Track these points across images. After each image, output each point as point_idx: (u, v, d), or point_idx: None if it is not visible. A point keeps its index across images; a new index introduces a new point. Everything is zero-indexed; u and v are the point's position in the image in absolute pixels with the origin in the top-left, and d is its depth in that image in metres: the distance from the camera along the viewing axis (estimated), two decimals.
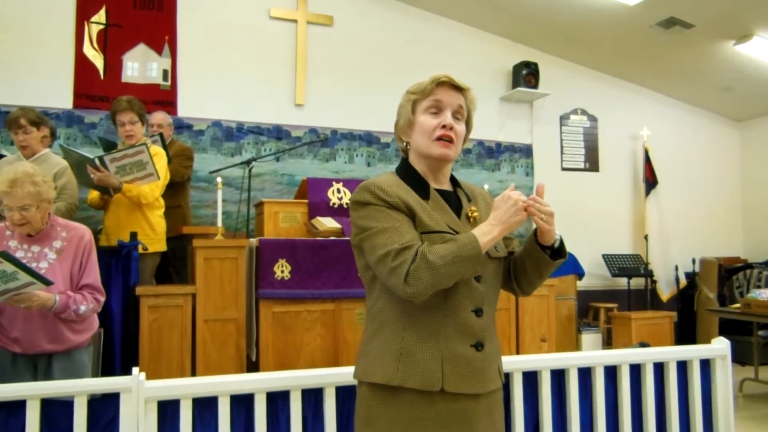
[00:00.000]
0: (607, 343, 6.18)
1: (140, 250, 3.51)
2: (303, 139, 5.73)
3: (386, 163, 6.04)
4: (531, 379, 2.30)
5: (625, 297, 6.52)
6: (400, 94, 1.66)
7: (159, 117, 4.55)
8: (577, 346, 5.92)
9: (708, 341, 2.71)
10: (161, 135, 4.28)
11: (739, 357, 5.96)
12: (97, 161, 3.44)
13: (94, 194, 3.78)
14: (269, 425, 1.99)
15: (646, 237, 6.82)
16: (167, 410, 1.92)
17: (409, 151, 1.64)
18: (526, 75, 6.39)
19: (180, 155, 4.46)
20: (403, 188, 1.56)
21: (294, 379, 2.03)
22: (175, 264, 4.32)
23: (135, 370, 1.92)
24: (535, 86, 6.42)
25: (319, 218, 3.97)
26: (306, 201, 4.09)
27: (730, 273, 7.03)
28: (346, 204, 4.04)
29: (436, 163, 1.61)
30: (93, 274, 2.63)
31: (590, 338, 6.06)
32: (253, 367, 3.66)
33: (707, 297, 6.90)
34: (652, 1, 5.36)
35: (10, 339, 2.52)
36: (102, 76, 5.20)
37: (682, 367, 2.52)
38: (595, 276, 6.66)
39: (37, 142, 3.60)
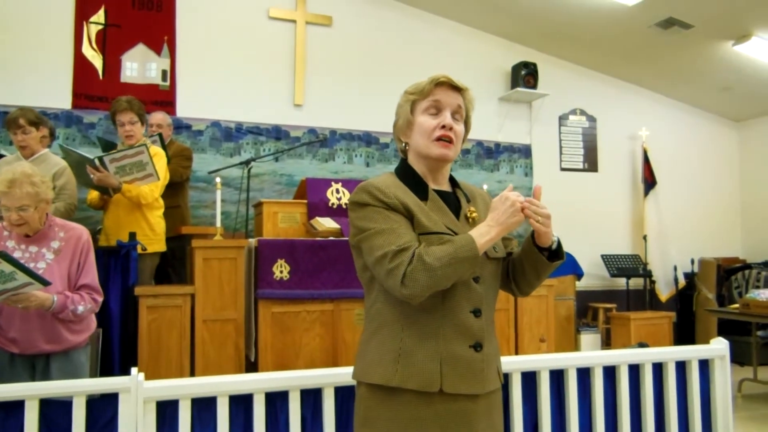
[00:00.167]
0: (606, 343, 6.18)
1: (139, 251, 3.51)
2: (302, 139, 5.73)
3: (385, 164, 6.04)
4: (530, 379, 2.30)
5: (623, 297, 6.52)
6: (399, 94, 1.66)
7: (158, 117, 4.55)
8: (576, 347, 5.92)
9: (707, 341, 2.71)
10: (160, 135, 4.28)
11: (738, 357, 5.95)
12: (96, 161, 3.44)
13: (93, 194, 3.78)
14: (268, 425, 1.99)
15: (644, 237, 6.83)
16: (166, 410, 1.92)
17: (408, 151, 1.64)
18: (525, 75, 6.39)
19: (179, 155, 4.46)
20: (401, 189, 1.56)
21: (293, 380, 2.03)
22: (173, 264, 4.32)
23: (134, 370, 1.92)
24: (534, 86, 6.43)
25: (318, 218, 3.97)
26: (305, 201, 4.09)
27: (729, 273, 7.04)
28: (345, 204, 4.04)
29: (436, 164, 1.60)
30: (91, 275, 2.63)
31: (589, 338, 6.06)
32: (251, 367, 3.66)
33: (706, 297, 6.90)
34: (651, 1, 5.37)
35: (7, 339, 2.52)
36: (101, 77, 5.19)
37: (681, 367, 2.52)
38: (594, 276, 6.66)
39: (36, 142, 3.60)
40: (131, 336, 3.42)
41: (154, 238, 3.73)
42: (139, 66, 5.32)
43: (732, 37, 5.87)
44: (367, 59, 6.05)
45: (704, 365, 2.55)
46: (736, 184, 7.80)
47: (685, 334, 6.98)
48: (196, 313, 3.53)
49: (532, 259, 1.60)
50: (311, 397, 2.05)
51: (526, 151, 6.72)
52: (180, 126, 5.31)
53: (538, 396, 2.30)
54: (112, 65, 5.23)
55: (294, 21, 5.82)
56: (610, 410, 2.40)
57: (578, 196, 6.75)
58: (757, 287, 6.44)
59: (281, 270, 3.66)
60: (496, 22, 6.32)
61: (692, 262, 7.10)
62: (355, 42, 6.03)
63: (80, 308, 2.53)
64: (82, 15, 5.16)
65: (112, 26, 5.25)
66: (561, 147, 6.90)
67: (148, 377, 1.93)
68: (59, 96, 5.05)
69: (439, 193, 1.61)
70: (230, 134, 5.56)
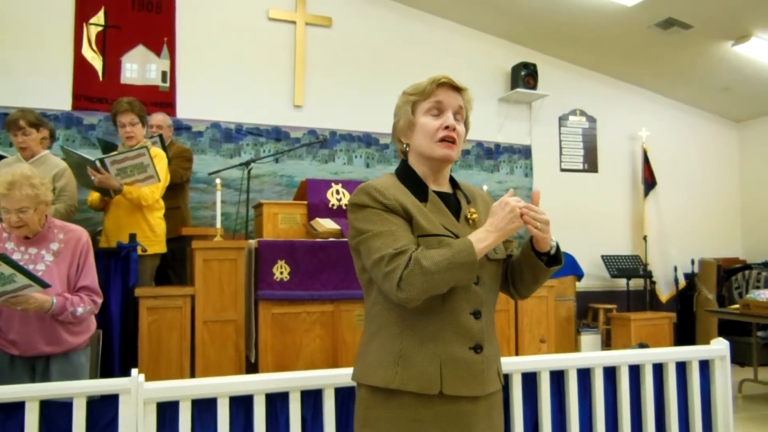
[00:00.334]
0: (606, 344, 6.18)
1: (139, 252, 3.51)
2: (302, 140, 5.73)
3: (385, 164, 6.05)
4: (530, 380, 2.30)
5: (624, 298, 6.52)
6: (399, 94, 1.66)
7: (158, 118, 4.55)
8: (576, 347, 5.92)
9: (707, 342, 2.71)
10: (161, 136, 4.28)
11: (739, 358, 5.95)
12: (97, 163, 3.44)
13: (94, 196, 3.78)
14: (268, 426, 1.99)
15: (645, 238, 6.83)
16: (166, 412, 1.92)
17: (408, 152, 1.64)
18: (524, 76, 6.39)
19: (179, 157, 4.46)
20: (401, 191, 1.55)
21: (293, 381, 2.03)
22: (174, 265, 4.32)
23: (134, 371, 1.92)
24: (534, 87, 6.43)
25: (318, 219, 3.97)
26: (305, 202, 4.09)
27: (729, 274, 7.04)
28: (345, 205, 4.04)
29: (438, 164, 1.60)
30: (90, 276, 2.62)
31: (589, 339, 6.06)
32: (252, 368, 3.66)
33: (706, 298, 6.90)
34: (651, 1, 5.37)
35: (7, 341, 2.52)
36: (101, 78, 5.20)
37: (682, 367, 2.52)
38: (594, 277, 6.66)
39: (36, 143, 3.60)
40: (131, 337, 3.42)
41: (154, 240, 3.73)
42: (139, 67, 5.32)
43: (732, 37, 5.87)
44: (366, 60, 6.05)
45: (704, 366, 2.55)
46: (736, 185, 7.80)
47: (685, 334, 6.97)
48: (196, 314, 3.53)
49: (530, 263, 1.59)
50: (311, 398, 2.05)
51: (526, 152, 6.72)
52: (180, 127, 5.31)
53: (538, 397, 2.30)
54: (112, 66, 5.23)
55: (294, 22, 5.82)
56: (610, 411, 2.40)
57: (578, 197, 6.75)
58: (758, 288, 6.43)
59: (281, 271, 3.66)
60: (496, 22, 6.32)
61: (692, 262, 7.10)
62: (354, 43, 6.04)
63: (79, 310, 2.53)
64: (81, 16, 5.16)
65: (111, 27, 5.25)
66: (561, 147, 6.90)
67: (148, 378, 1.93)
68: (59, 97, 5.06)
69: (440, 194, 1.61)
70: (230, 135, 5.56)
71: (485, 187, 4.90)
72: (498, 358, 1.62)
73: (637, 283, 6.78)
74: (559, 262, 1.60)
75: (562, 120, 6.92)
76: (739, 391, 5.06)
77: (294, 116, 5.79)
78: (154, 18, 5.38)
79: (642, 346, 4.70)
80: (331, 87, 5.91)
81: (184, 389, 1.94)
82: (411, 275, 1.40)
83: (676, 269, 6.88)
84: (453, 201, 1.63)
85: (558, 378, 2.36)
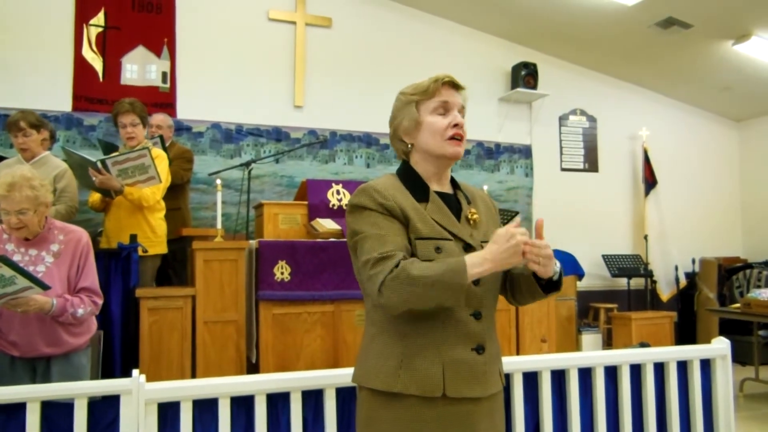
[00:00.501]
0: (607, 343, 6.18)
1: (140, 253, 3.51)
2: (302, 140, 5.73)
3: (386, 165, 6.04)
4: (531, 379, 2.30)
5: (625, 297, 6.52)
6: (396, 96, 1.66)
7: (159, 118, 4.55)
8: (577, 347, 5.91)
9: (708, 341, 2.70)
10: (161, 137, 4.28)
11: (740, 357, 5.96)
12: (99, 164, 3.44)
13: (95, 197, 3.78)
14: (269, 427, 1.99)
15: (645, 237, 6.82)
16: (167, 412, 1.92)
17: (411, 152, 1.63)
18: (524, 76, 6.39)
19: (180, 157, 4.46)
20: (401, 191, 1.55)
21: (294, 381, 2.03)
22: (174, 266, 4.32)
23: (135, 372, 1.92)
24: (534, 87, 6.42)
25: (318, 220, 3.97)
26: (305, 202, 4.09)
27: (730, 273, 7.03)
28: (346, 205, 4.04)
29: (446, 163, 1.61)
30: (90, 277, 2.62)
31: (590, 339, 6.05)
32: (253, 368, 3.66)
33: (707, 297, 6.90)
34: (651, 1, 5.37)
35: (8, 342, 2.52)
36: (101, 79, 5.20)
37: (683, 367, 2.52)
38: (594, 276, 6.66)
39: (37, 144, 3.61)
40: (132, 338, 3.42)
41: (155, 240, 3.73)
42: (139, 68, 5.32)
43: (732, 36, 5.87)
44: (367, 60, 6.05)
45: (706, 365, 2.55)
46: (736, 184, 7.80)
47: (686, 333, 6.97)
48: (197, 314, 3.53)
49: (529, 286, 1.59)
50: (312, 398, 2.05)
51: (526, 152, 6.72)
52: (180, 128, 5.31)
53: (539, 396, 2.30)
54: (112, 67, 5.23)
55: (294, 22, 5.82)
56: (611, 410, 2.40)
57: (579, 197, 6.75)
58: (758, 287, 6.43)
59: (282, 271, 3.66)
60: (496, 22, 6.32)
61: (693, 261, 7.10)
62: (354, 43, 6.04)
63: (80, 311, 2.53)
64: (82, 17, 5.16)
65: (112, 28, 5.25)
66: (561, 147, 6.89)
67: (149, 379, 1.93)
68: (59, 98, 5.06)
69: (440, 194, 1.61)
70: (230, 136, 5.56)
71: (486, 187, 4.90)
72: (499, 359, 1.62)
73: (637, 283, 6.77)
74: (557, 289, 1.59)
75: (563, 120, 6.91)
76: (740, 390, 5.06)
77: (294, 116, 5.79)
78: (154, 18, 5.38)
79: (643, 345, 4.70)
80: (332, 87, 5.91)
81: (185, 390, 1.95)
82: (394, 281, 1.39)
83: (677, 268, 6.88)
84: (454, 201, 1.63)
85: (559, 377, 2.36)
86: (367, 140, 6.03)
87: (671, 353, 2.53)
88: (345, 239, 3.70)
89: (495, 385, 1.56)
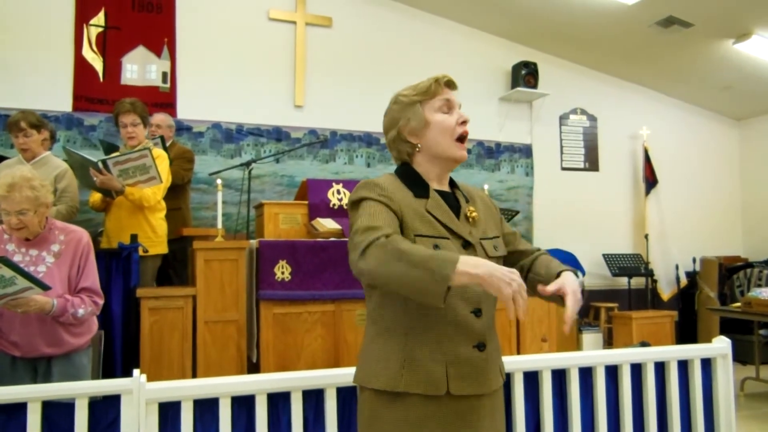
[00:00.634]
0: (608, 342, 6.18)
1: (141, 253, 3.51)
2: (302, 140, 5.73)
3: (386, 164, 6.04)
4: (532, 379, 2.30)
5: (625, 296, 6.52)
6: (395, 99, 1.66)
7: (159, 118, 4.54)
8: (577, 346, 5.91)
9: (709, 340, 2.70)
10: (162, 138, 4.28)
11: (740, 356, 5.96)
12: (100, 164, 3.44)
13: (95, 197, 3.78)
14: (270, 426, 1.99)
15: (646, 236, 6.82)
16: (168, 412, 1.92)
17: (416, 154, 1.62)
18: (525, 75, 6.39)
19: (181, 158, 4.45)
20: (400, 189, 1.56)
21: (295, 380, 2.03)
22: (175, 266, 4.32)
23: (136, 371, 1.92)
24: (535, 86, 6.42)
25: (319, 219, 3.97)
26: (306, 202, 4.09)
27: (731, 272, 7.03)
28: (346, 205, 4.04)
29: (451, 165, 1.63)
30: (91, 278, 2.62)
31: (591, 338, 6.05)
32: (253, 368, 3.66)
33: (708, 296, 6.89)
34: (651, 0, 5.36)
35: (9, 342, 2.52)
36: (101, 79, 5.20)
37: (683, 366, 2.52)
38: (595, 275, 6.66)
39: (37, 145, 3.61)
40: (133, 338, 3.42)
41: (155, 240, 3.73)
42: (140, 68, 5.32)
43: (732, 35, 5.87)
44: (367, 60, 6.05)
45: (706, 364, 2.55)
46: (737, 183, 7.79)
47: (687, 333, 6.97)
48: (197, 314, 3.53)
49: (548, 298, 1.59)
50: (313, 398, 2.04)
51: (526, 151, 6.71)
52: (180, 128, 5.31)
53: (540, 396, 2.30)
54: (113, 67, 5.23)
55: (294, 22, 5.82)
56: (612, 409, 2.40)
57: (579, 196, 6.75)
58: (759, 286, 6.43)
59: (282, 271, 3.66)
60: (496, 22, 6.32)
61: (694, 260, 7.10)
62: (355, 43, 6.03)
63: (80, 311, 2.53)
64: (82, 17, 5.16)
65: (112, 28, 5.25)
66: (562, 146, 6.89)
67: (150, 379, 1.93)
68: (59, 98, 5.06)
69: (440, 193, 1.61)
70: (231, 136, 5.56)
71: (486, 187, 4.89)
72: (499, 354, 1.63)
73: (638, 282, 6.77)
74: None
75: (563, 119, 6.91)
76: (740, 390, 5.05)
77: (294, 116, 5.79)
78: (154, 18, 5.38)
79: (644, 344, 4.70)
80: (332, 87, 5.90)
81: (185, 389, 1.94)
82: (379, 248, 1.36)
83: (677, 268, 6.87)
84: (452, 200, 1.64)
85: (560, 377, 2.35)
86: (368, 140, 6.03)
87: (672, 352, 2.53)
88: (346, 239, 3.72)
89: (496, 381, 1.57)
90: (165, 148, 4.13)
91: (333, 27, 5.97)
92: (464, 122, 1.60)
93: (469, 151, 6.39)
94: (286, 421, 2.01)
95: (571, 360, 2.36)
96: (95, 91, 5.16)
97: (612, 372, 2.42)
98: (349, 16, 6.03)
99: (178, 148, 4.61)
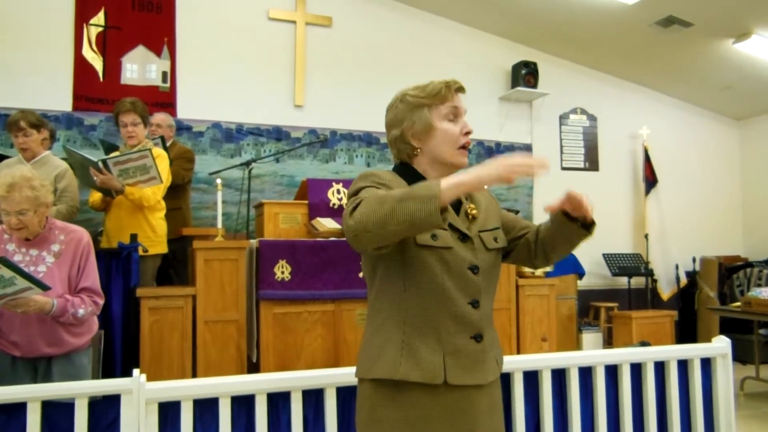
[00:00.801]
0: (608, 342, 6.18)
1: (141, 252, 3.51)
2: (302, 140, 5.73)
3: (386, 164, 6.04)
4: (532, 378, 2.30)
5: (625, 296, 6.52)
6: (400, 96, 1.64)
7: (159, 117, 4.54)
8: (577, 346, 5.91)
9: (709, 340, 2.70)
10: (162, 138, 4.28)
11: (740, 355, 5.96)
12: (100, 164, 3.44)
13: (95, 196, 3.78)
14: (270, 426, 1.99)
15: (646, 236, 6.82)
16: (168, 412, 1.92)
17: (415, 157, 1.62)
18: (525, 75, 6.39)
19: (181, 157, 4.45)
20: (399, 184, 1.55)
21: (295, 380, 2.03)
22: (175, 266, 4.32)
23: (136, 371, 1.92)
24: (535, 86, 6.42)
25: (319, 219, 3.97)
26: (306, 202, 4.09)
27: (731, 272, 7.03)
28: (346, 205, 4.04)
29: (452, 171, 1.61)
30: (91, 277, 2.62)
31: (591, 337, 6.06)
32: (253, 368, 3.66)
33: (708, 296, 6.90)
34: (651, 0, 5.36)
35: (9, 342, 2.52)
36: (101, 78, 5.20)
37: (683, 365, 2.52)
38: (595, 275, 6.66)
39: (37, 144, 3.61)
40: (133, 337, 3.42)
41: (155, 240, 3.74)
42: (139, 68, 5.32)
43: (732, 35, 5.87)
44: (367, 59, 6.05)
45: (706, 364, 2.55)
46: (737, 183, 7.79)
47: (686, 332, 6.97)
48: (197, 314, 3.53)
49: (565, 231, 1.67)
50: (313, 398, 2.05)
51: (527, 151, 6.71)
52: (180, 127, 5.31)
53: (539, 395, 2.30)
54: (113, 67, 5.23)
55: (294, 22, 5.82)
56: (612, 409, 2.40)
57: None
58: (759, 285, 6.43)
59: (282, 271, 3.66)
60: (496, 21, 6.32)
61: (694, 260, 7.10)
62: (355, 42, 6.03)
63: (81, 311, 2.53)
64: (82, 17, 5.17)
65: (112, 28, 5.25)
66: (562, 146, 6.89)
67: (150, 379, 1.93)
68: (59, 98, 5.06)
69: None
70: (231, 135, 5.56)
71: (486, 186, 4.87)
72: (496, 345, 1.64)
73: (638, 282, 6.77)
74: (594, 224, 1.71)
75: (563, 118, 6.91)
76: (740, 389, 5.06)
77: (294, 116, 5.79)
78: (154, 18, 5.38)
79: (643, 344, 4.69)
80: (332, 87, 5.90)
81: (185, 389, 1.95)
82: (363, 202, 1.36)
83: (677, 267, 6.87)
84: None
85: (559, 376, 2.36)
86: (368, 139, 6.03)
87: (672, 352, 2.53)
88: (345, 238, 3.72)
89: (493, 372, 1.58)
90: (165, 148, 4.13)
91: (333, 27, 5.97)
92: (468, 133, 1.58)
93: (468, 151, 6.45)
94: (286, 421, 2.01)
95: (570, 359, 2.36)
96: (95, 91, 5.16)
97: (612, 371, 2.42)
98: (349, 15, 6.03)
99: (179, 147, 4.61)
